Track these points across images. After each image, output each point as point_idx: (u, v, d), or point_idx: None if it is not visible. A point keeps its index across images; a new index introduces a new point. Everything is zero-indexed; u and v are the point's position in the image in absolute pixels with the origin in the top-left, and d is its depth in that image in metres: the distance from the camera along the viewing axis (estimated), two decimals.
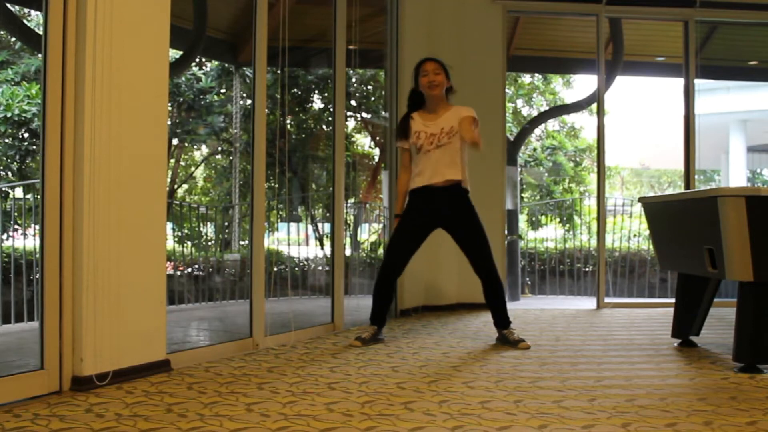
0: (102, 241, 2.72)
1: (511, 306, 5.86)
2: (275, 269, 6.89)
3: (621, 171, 16.86)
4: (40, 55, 4.41)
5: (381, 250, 6.88)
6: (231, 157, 8.15)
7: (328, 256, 5.40)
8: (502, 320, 3.85)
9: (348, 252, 6.71)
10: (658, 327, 4.53)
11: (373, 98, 8.11)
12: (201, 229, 7.52)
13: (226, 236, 7.78)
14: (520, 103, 11.18)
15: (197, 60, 7.27)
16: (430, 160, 3.76)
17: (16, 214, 5.52)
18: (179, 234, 7.05)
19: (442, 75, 3.81)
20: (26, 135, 5.92)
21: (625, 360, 3.39)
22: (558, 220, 9.92)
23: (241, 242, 7.60)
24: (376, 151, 8.71)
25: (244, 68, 7.38)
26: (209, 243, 7.56)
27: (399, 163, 4.02)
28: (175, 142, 7.59)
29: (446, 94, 3.89)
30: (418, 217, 3.82)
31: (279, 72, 5.46)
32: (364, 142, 9.06)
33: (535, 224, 10.21)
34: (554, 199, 10.49)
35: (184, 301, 6.40)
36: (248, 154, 3.99)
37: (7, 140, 5.90)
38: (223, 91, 7.64)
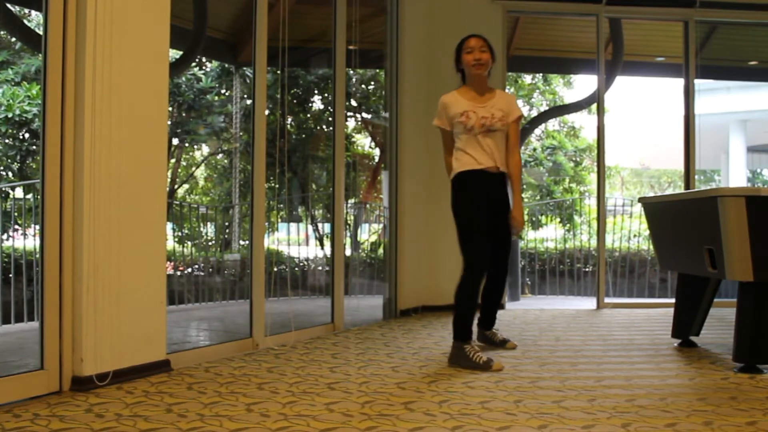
0: (102, 241, 2.72)
1: (511, 306, 5.90)
2: (275, 269, 6.89)
3: (621, 171, 16.86)
4: (40, 55, 4.41)
5: (381, 251, 6.88)
6: (231, 157, 8.15)
7: (328, 256, 5.40)
8: (491, 320, 3.77)
9: (348, 252, 6.71)
10: (658, 327, 4.53)
11: (373, 98, 8.11)
12: (201, 229, 7.52)
13: (226, 236, 7.78)
14: (520, 103, 11.18)
15: (197, 60, 7.26)
16: (481, 145, 3.43)
17: (16, 214, 5.52)
18: (179, 234, 7.05)
19: (488, 53, 3.49)
20: (26, 135, 5.92)
21: (625, 360, 3.39)
22: (558, 220, 9.92)
23: (241, 242, 7.60)
24: (376, 151, 8.70)
25: (244, 68, 7.38)
26: (209, 243, 7.56)
27: (443, 145, 3.61)
28: (175, 142, 7.58)
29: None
30: (483, 202, 3.45)
31: (279, 72, 5.46)
32: (364, 142, 9.06)
33: (535, 224, 10.21)
34: (554, 199, 10.48)
35: (184, 301, 6.40)
36: (248, 154, 3.99)
37: (7, 140, 5.90)
38: (223, 91, 7.64)
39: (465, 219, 3.41)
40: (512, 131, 3.52)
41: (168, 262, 4.67)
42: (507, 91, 5.50)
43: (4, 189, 5.71)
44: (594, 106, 6.80)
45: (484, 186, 3.46)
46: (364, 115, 8.48)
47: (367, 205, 8.10)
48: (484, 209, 3.43)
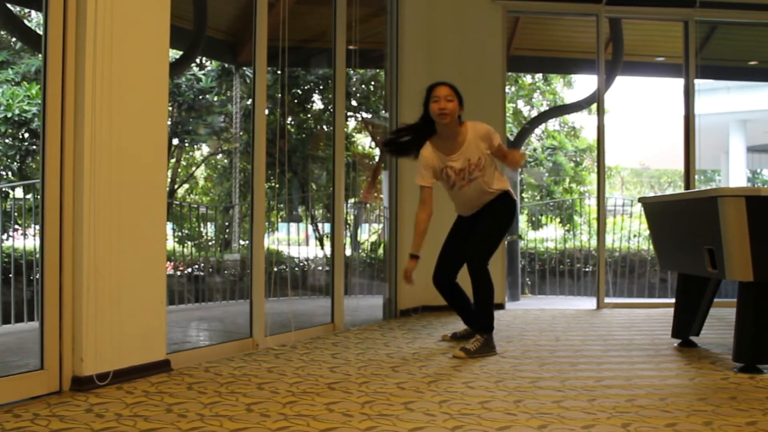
0: (102, 241, 2.72)
1: (510, 306, 5.90)
2: (275, 269, 6.89)
3: (621, 171, 16.86)
4: (40, 55, 4.41)
5: (381, 251, 6.88)
6: (231, 157, 8.15)
7: (328, 256, 5.40)
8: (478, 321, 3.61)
9: (348, 252, 6.71)
10: (658, 327, 4.53)
11: (373, 98, 8.11)
12: (201, 229, 7.52)
13: (226, 236, 7.78)
14: (520, 103, 11.18)
15: (197, 60, 7.26)
16: (466, 196, 3.67)
17: (16, 214, 5.52)
18: (179, 234, 7.05)
19: (454, 102, 3.53)
20: (26, 135, 5.92)
21: (625, 360, 3.39)
22: (558, 220, 9.93)
23: (241, 242, 7.60)
24: (376, 151, 8.70)
25: (244, 68, 7.38)
26: (209, 243, 7.56)
27: (419, 200, 3.68)
28: (175, 142, 7.58)
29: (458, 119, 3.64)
30: (460, 229, 3.85)
31: (279, 72, 5.45)
32: (364, 142, 9.06)
33: (535, 224, 10.21)
34: (554, 200, 10.48)
35: (184, 301, 6.40)
36: (248, 154, 3.99)
37: (7, 140, 5.90)
38: (223, 91, 7.64)
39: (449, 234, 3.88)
40: (498, 150, 3.61)
41: (168, 262, 4.68)
42: (507, 91, 5.49)
43: (3, 189, 5.71)
44: (594, 106, 6.80)
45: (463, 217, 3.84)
46: (364, 115, 8.48)
47: (367, 205, 8.10)
48: (458, 234, 3.81)
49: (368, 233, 8.10)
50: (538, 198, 10.98)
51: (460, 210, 3.81)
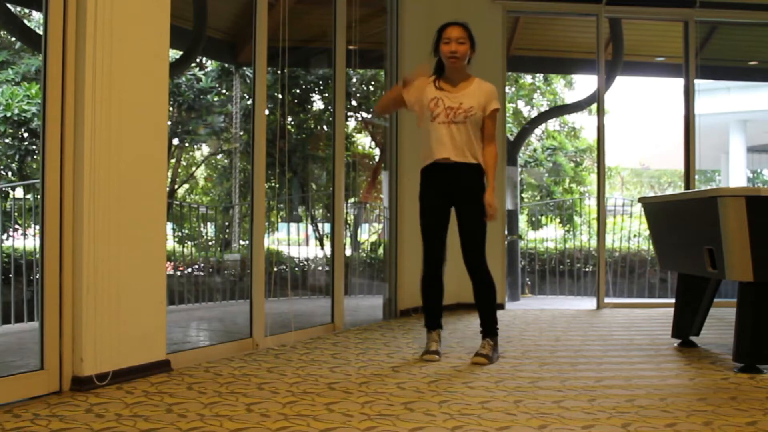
0: (102, 241, 2.72)
1: (510, 306, 5.90)
2: (275, 269, 6.89)
3: (621, 171, 16.86)
4: (40, 55, 4.41)
5: (381, 251, 6.88)
6: (231, 157, 8.15)
7: (328, 256, 5.40)
8: (484, 325, 3.46)
9: (348, 252, 6.71)
10: (658, 327, 4.53)
11: (373, 98, 8.11)
12: (201, 229, 7.52)
13: (226, 236, 7.79)
14: (520, 103, 11.18)
15: (197, 60, 7.26)
16: (442, 135, 3.36)
17: (16, 214, 5.52)
18: (179, 234, 7.05)
19: (466, 45, 3.39)
20: (26, 135, 5.92)
21: (625, 360, 3.39)
22: (558, 220, 9.93)
23: (241, 242, 7.60)
24: (376, 151, 8.71)
25: (244, 68, 7.38)
26: (209, 243, 7.56)
27: (388, 92, 3.51)
28: (175, 142, 7.58)
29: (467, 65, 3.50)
30: (438, 197, 3.45)
31: (279, 72, 5.45)
32: (364, 142, 9.07)
33: (535, 224, 10.21)
34: (554, 200, 10.49)
35: (184, 301, 6.40)
36: (248, 154, 3.99)
37: (7, 140, 5.90)
38: (223, 91, 7.64)
39: (420, 217, 3.50)
40: (487, 125, 3.41)
41: (168, 262, 4.67)
42: (507, 91, 5.48)
43: (3, 189, 5.71)
44: (594, 107, 6.80)
45: (438, 180, 3.43)
46: (364, 115, 8.48)
47: (367, 205, 8.10)
48: (437, 208, 3.45)
49: (368, 233, 8.10)
50: (538, 198, 10.98)
51: (441, 150, 3.38)
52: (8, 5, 5.85)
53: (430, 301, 3.55)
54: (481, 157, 3.42)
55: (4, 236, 5.36)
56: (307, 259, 7.58)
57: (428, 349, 3.45)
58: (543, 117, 10.45)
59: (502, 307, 5.48)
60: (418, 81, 3.49)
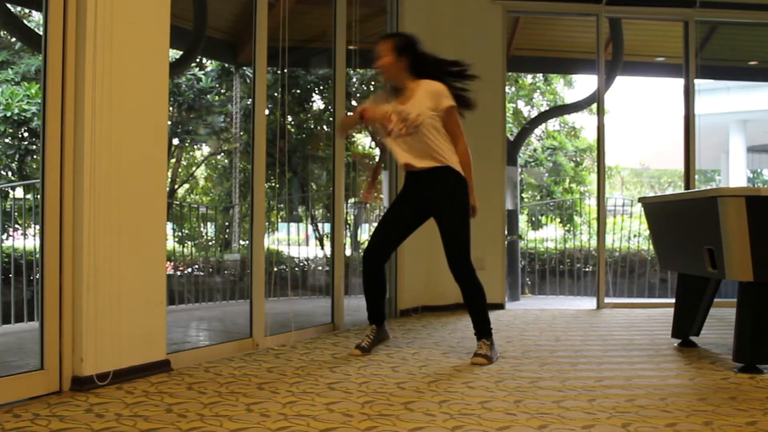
0: (102, 241, 2.72)
1: (510, 306, 5.90)
2: (275, 269, 6.89)
3: (621, 171, 16.86)
4: (40, 55, 4.41)
5: None
6: (231, 157, 8.15)
7: (328, 256, 5.40)
8: (476, 327, 3.43)
9: (348, 252, 6.71)
10: (658, 327, 4.53)
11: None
12: (201, 229, 7.52)
13: (226, 236, 7.79)
14: (520, 103, 11.19)
15: (197, 60, 7.27)
16: (404, 147, 3.40)
17: (16, 214, 5.52)
18: (179, 234, 7.05)
19: (388, 56, 3.39)
20: (26, 134, 5.93)
21: (625, 360, 3.39)
22: (558, 220, 9.93)
23: (241, 242, 7.60)
24: (376, 151, 8.70)
25: (244, 68, 7.38)
26: (209, 243, 7.56)
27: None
28: (175, 142, 7.58)
29: (411, 70, 3.43)
30: (406, 203, 3.52)
31: (279, 72, 5.46)
32: (364, 142, 9.07)
33: (535, 224, 10.22)
34: (554, 200, 10.49)
35: (184, 301, 6.40)
36: (248, 154, 3.99)
37: (7, 140, 5.90)
38: (223, 91, 7.64)
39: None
40: (447, 123, 3.40)
41: (168, 262, 4.68)
42: (507, 90, 5.48)
43: (3, 189, 5.71)
44: (594, 106, 6.80)
45: (411, 185, 3.50)
46: None
47: (367, 205, 8.10)
48: (401, 210, 3.54)
49: (368, 233, 8.10)
50: (538, 198, 10.98)
51: (403, 157, 3.42)
52: (8, 5, 5.85)
53: (366, 295, 3.61)
54: (452, 157, 3.40)
55: (4, 236, 5.36)
56: (307, 259, 7.58)
57: (357, 344, 3.56)
58: (543, 117, 10.45)
59: (502, 307, 5.48)
60: (375, 102, 3.53)
